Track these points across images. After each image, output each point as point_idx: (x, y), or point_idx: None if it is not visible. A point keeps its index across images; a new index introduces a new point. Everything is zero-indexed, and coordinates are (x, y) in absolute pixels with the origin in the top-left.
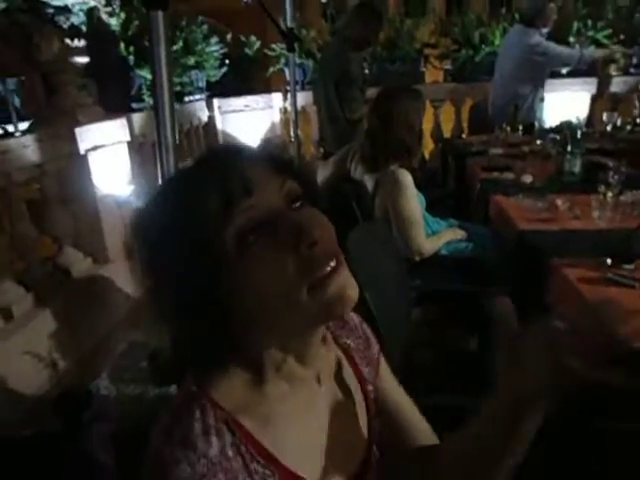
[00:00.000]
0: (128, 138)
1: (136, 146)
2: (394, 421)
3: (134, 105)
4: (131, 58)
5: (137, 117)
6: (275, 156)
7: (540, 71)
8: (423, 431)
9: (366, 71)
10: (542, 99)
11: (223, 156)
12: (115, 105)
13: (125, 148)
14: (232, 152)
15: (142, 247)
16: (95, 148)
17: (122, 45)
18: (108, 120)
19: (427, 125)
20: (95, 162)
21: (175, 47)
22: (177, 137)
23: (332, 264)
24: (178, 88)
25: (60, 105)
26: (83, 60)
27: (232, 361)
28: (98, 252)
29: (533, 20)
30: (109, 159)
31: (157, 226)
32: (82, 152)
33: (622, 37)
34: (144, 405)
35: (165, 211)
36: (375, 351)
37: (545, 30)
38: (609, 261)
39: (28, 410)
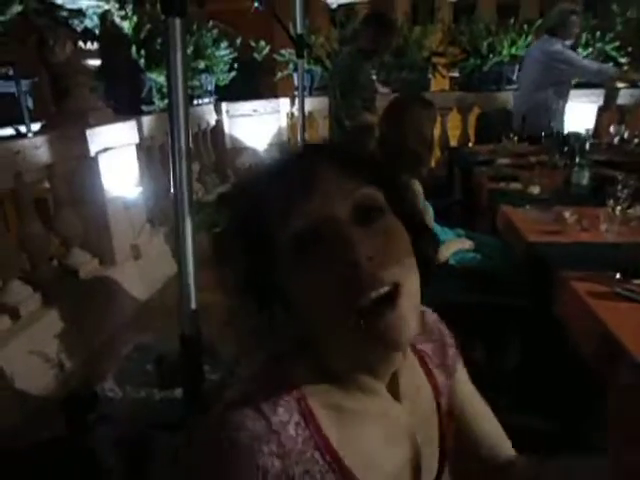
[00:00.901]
0: (137, 140)
1: (144, 148)
2: (469, 427)
3: (144, 107)
4: (142, 61)
5: (146, 120)
6: (356, 158)
7: (561, 79)
8: (498, 440)
9: (374, 77)
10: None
11: (301, 155)
12: (125, 107)
13: (134, 150)
14: (311, 151)
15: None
16: (105, 150)
17: (134, 48)
18: (118, 122)
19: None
20: (105, 164)
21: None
22: (191, 142)
23: (383, 290)
24: (189, 91)
25: (71, 107)
26: (95, 63)
27: (305, 354)
28: (105, 254)
29: (556, 31)
30: (118, 161)
31: (233, 211)
32: (92, 154)
33: (630, 49)
34: (149, 408)
35: (242, 198)
36: (451, 354)
37: (568, 42)
38: (618, 275)
39: (34, 410)
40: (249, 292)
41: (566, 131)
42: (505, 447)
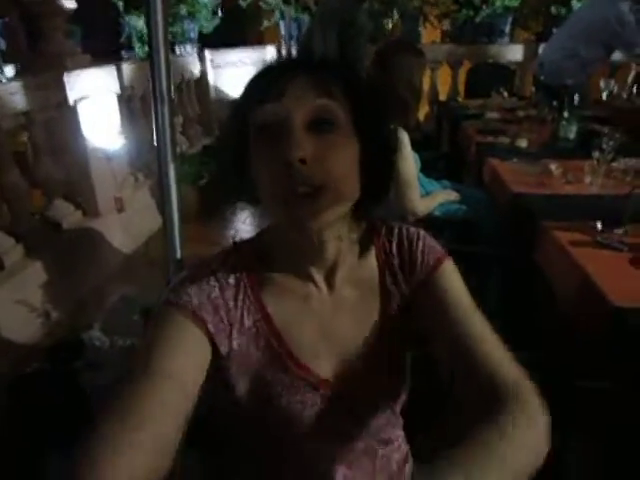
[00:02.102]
0: (117, 89)
1: (125, 98)
2: (451, 352)
3: (123, 53)
4: (120, 4)
5: (127, 67)
6: (329, 71)
7: (613, 41)
8: (499, 380)
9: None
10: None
11: (282, 62)
12: (103, 53)
13: (115, 99)
14: (291, 60)
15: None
16: (84, 98)
17: None
18: (97, 68)
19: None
20: (84, 113)
21: None
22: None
23: (306, 189)
24: (169, 38)
25: (46, 50)
26: (71, 5)
27: (257, 241)
28: (88, 205)
29: None
30: (99, 110)
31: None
32: (71, 102)
33: None
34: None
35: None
36: (424, 269)
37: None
38: (599, 225)
39: (20, 357)
40: (234, 162)
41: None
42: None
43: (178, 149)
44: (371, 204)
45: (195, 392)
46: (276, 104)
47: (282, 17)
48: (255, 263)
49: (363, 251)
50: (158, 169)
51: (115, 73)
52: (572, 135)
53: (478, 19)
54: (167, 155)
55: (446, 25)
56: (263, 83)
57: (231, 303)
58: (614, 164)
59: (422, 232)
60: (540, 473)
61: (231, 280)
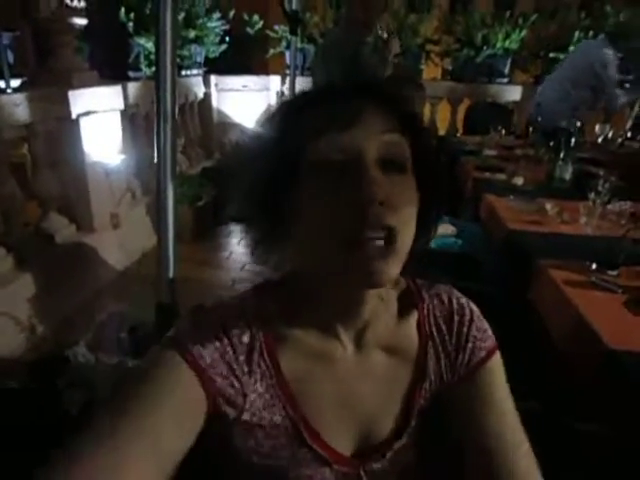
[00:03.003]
0: (122, 107)
1: (129, 116)
2: (482, 455)
3: (130, 74)
4: (130, 25)
5: (132, 86)
6: (395, 102)
7: (597, 86)
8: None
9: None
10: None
11: (345, 87)
12: (111, 72)
13: (118, 116)
14: (355, 85)
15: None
16: (87, 113)
17: (122, 10)
18: (103, 86)
19: None
20: (86, 128)
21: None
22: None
23: (374, 235)
24: (177, 60)
25: (54, 66)
26: (81, 22)
27: (286, 285)
28: (84, 220)
29: (616, 39)
30: (101, 126)
31: (267, 124)
32: (74, 116)
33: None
34: (122, 375)
35: (279, 116)
36: (473, 359)
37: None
38: (594, 266)
39: (2, 371)
40: (264, 206)
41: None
42: None
43: (178, 169)
44: (414, 260)
45: (175, 462)
46: (344, 135)
47: (288, 47)
48: (275, 315)
49: (403, 314)
50: (157, 187)
51: (121, 91)
52: (568, 176)
53: (479, 59)
54: (166, 174)
55: (447, 63)
56: (323, 110)
57: (245, 366)
58: (609, 206)
59: (474, 308)
60: None
61: (245, 338)
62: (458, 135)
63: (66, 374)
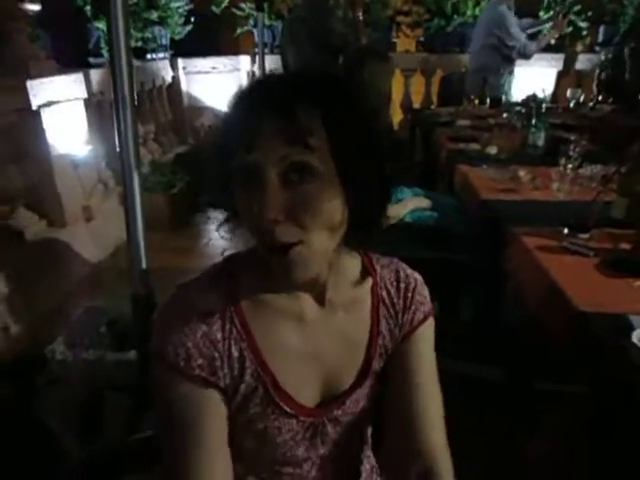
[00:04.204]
0: (85, 95)
1: (94, 104)
2: (401, 404)
3: (92, 60)
4: (88, 9)
5: (95, 73)
6: (302, 104)
7: (500, 44)
8: (429, 442)
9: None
10: (511, 72)
11: (256, 96)
12: (70, 59)
13: (82, 106)
14: (262, 96)
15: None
16: (49, 104)
17: None
18: (63, 75)
19: (397, 95)
20: (49, 119)
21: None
22: (136, 95)
23: (282, 243)
24: (139, 44)
25: (8, 55)
26: (34, 8)
27: (250, 257)
28: (54, 215)
29: None
30: (64, 116)
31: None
32: (34, 107)
33: (589, 14)
34: (102, 370)
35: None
36: (414, 319)
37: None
38: (566, 230)
39: None
40: (221, 197)
41: (525, 95)
42: (436, 456)
43: (150, 156)
44: (362, 238)
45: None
46: (246, 157)
47: (256, 25)
48: (245, 283)
49: (359, 281)
50: (122, 176)
51: (82, 79)
52: (540, 142)
53: (450, 28)
54: (130, 161)
55: (419, 34)
56: (234, 128)
57: (219, 335)
58: (580, 171)
59: (419, 278)
60: (504, 473)
61: (217, 310)
62: (432, 107)
63: (45, 372)
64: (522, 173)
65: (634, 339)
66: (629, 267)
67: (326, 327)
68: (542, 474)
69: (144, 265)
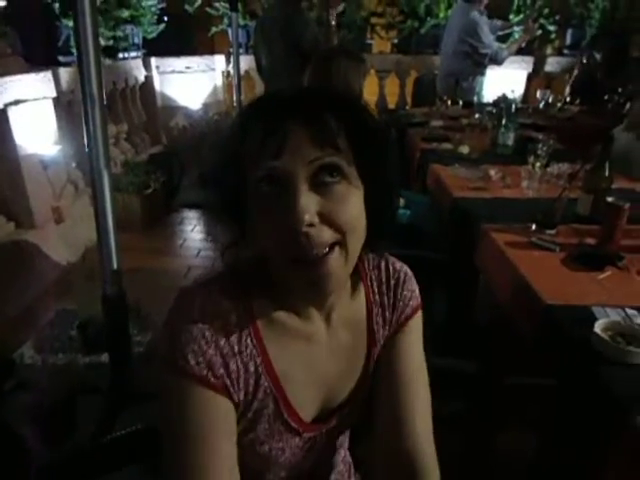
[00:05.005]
0: (54, 94)
1: (64, 103)
2: (389, 399)
3: (61, 58)
4: (56, 6)
5: (64, 72)
6: (326, 109)
7: (472, 51)
8: (417, 436)
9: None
10: (483, 74)
11: (276, 103)
12: (39, 57)
13: (51, 105)
14: (287, 103)
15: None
16: (16, 103)
17: None
18: (31, 73)
19: (372, 97)
20: (16, 118)
21: None
22: (106, 94)
23: (317, 251)
24: (111, 42)
25: None
26: (0, 4)
27: (259, 271)
28: (22, 216)
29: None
30: (33, 116)
31: (221, 144)
32: (1, 106)
33: (557, 17)
34: (73, 374)
35: (228, 134)
36: (403, 314)
37: (485, 0)
38: (534, 227)
39: None
40: (228, 211)
41: (496, 96)
42: (423, 451)
43: (123, 157)
44: (377, 242)
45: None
46: (275, 162)
47: (230, 24)
48: (256, 297)
49: (354, 289)
50: (90, 176)
51: (51, 77)
52: (510, 142)
53: (423, 30)
54: (100, 160)
55: (394, 36)
56: (258, 132)
57: (236, 347)
58: (548, 169)
59: (408, 271)
60: (475, 465)
61: (235, 322)
62: (407, 107)
63: (13, 377)
64: (492, 172)
65: (596, 329)
66: (593, 261)
67: (330, 347)
68: (513, 468)
69: (115, 266)
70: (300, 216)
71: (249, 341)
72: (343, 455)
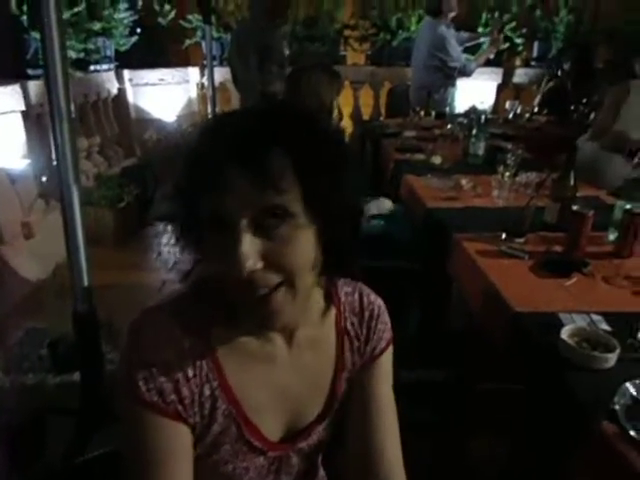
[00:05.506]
0: (22, 107)
1: (33, 117)
2: (359, 423)
3: (30, 72)
4: (24, 19)
5: (33, 85)
6: (271, 143)
7: (446, 65)
8: (385, 459)
9: (286, 51)
10: (454, 85)
11: (222, 139)
12: (7, 70)
13: (19, 118)
14: (228, 142)
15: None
16: None
17: (13, 2)
18: None
19: (347, 108)
20: None
21: (77, 9)
22: (73, 107)
23: (261, 292)
24: (82, 55)
25: None
26: None
27: (215, 294)
28: None
29: (438, 7)
30: (0, 129)
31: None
32: None
33: (524, 30)
34: (44, 394)
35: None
36: (377, 348)
37: (452, 14)
38: (503, 235)
39: None
40: (185, 233)
41: (467, 107)
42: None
43: (95, 170)
44: (336, 268)
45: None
46: (218, 203)
47: (204, 37)
48: (213, 319)
49: (324, 312)
50: (59, 191)
51: (19, 91)
52: (480, 152)
53: (395, 43)
54: (68, 175)
55: (367, 48)
56: (199, 171)
57: (190, 372)
58: (517, 178)
59: (382, 305)
60: (447, 471)
61: (189, 346)
62: (381, 118)
63: None
64: (464, 181)
65: (563, 335)
66: (560, 268)
67: (294, 366)
68: (484, 474)
69: (86, 282)
70: (242, 263)
71: (204, 365)
72: (321, 475)
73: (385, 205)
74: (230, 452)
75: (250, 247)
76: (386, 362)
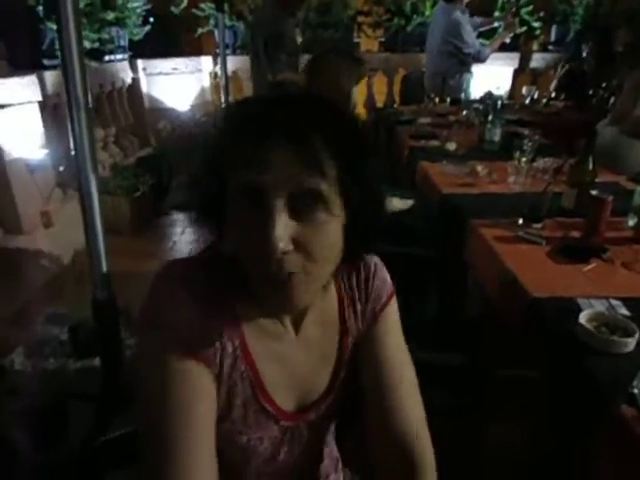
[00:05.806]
0: (39, 98)
1: (50, 107)
2: (376, 388)
3: (46, 62)
4: (40, 9)
5: (50, 75)
6: (316, 130)
7: (461, 52)
8: (409, 421)
9: (299, 38)
10: (469, 71)
11: (261, 113)
12: (24, 61)
13: (36, 108)
14: (272, 115)
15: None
16: (1, 107)
17: None
18: (15, 77)
19: (361, 96)
20: (2, 122)
21: None
22: (90, 97)
23: (284, 275)
24: (96, 45)
25: None
26: None
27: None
28: (10, 222)
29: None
30: (18, 120)
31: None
32: None
33: (542, 14)
34: (64, 379)
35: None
36: (377, 305)
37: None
38: (520, 221)
39: None
40: (206, 213)
41: (483, 93)
42: (413, 433)
43: (111, 160)
44: (353, 258)
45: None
46: (259, 178)
47: (217, 25)
48: (236, 285)
49: (325, 287)
50: (77, 180)
51: (36, 81)
52: (497, 138)
53: (410, 28)
54: (87, 164)
55: (381, 35)
56: (241, 142)
57: (217, 324)
58: (534, 164)
59: (378, 262)
60: (466, 457)
61: (217, 301)
62: (395, 105)
63: (3, 383)
64: (480, 167)
65: (581, 320)
66: (578, 253)
67: (301, 344)
68: (503, 458)
69: (105, 269)
70: (275, 244)
71: (230, 321)
72: (330, 450)
73: (395, 204)
74: (243, 419)
75: (284, 229)
76: (391, 314)
